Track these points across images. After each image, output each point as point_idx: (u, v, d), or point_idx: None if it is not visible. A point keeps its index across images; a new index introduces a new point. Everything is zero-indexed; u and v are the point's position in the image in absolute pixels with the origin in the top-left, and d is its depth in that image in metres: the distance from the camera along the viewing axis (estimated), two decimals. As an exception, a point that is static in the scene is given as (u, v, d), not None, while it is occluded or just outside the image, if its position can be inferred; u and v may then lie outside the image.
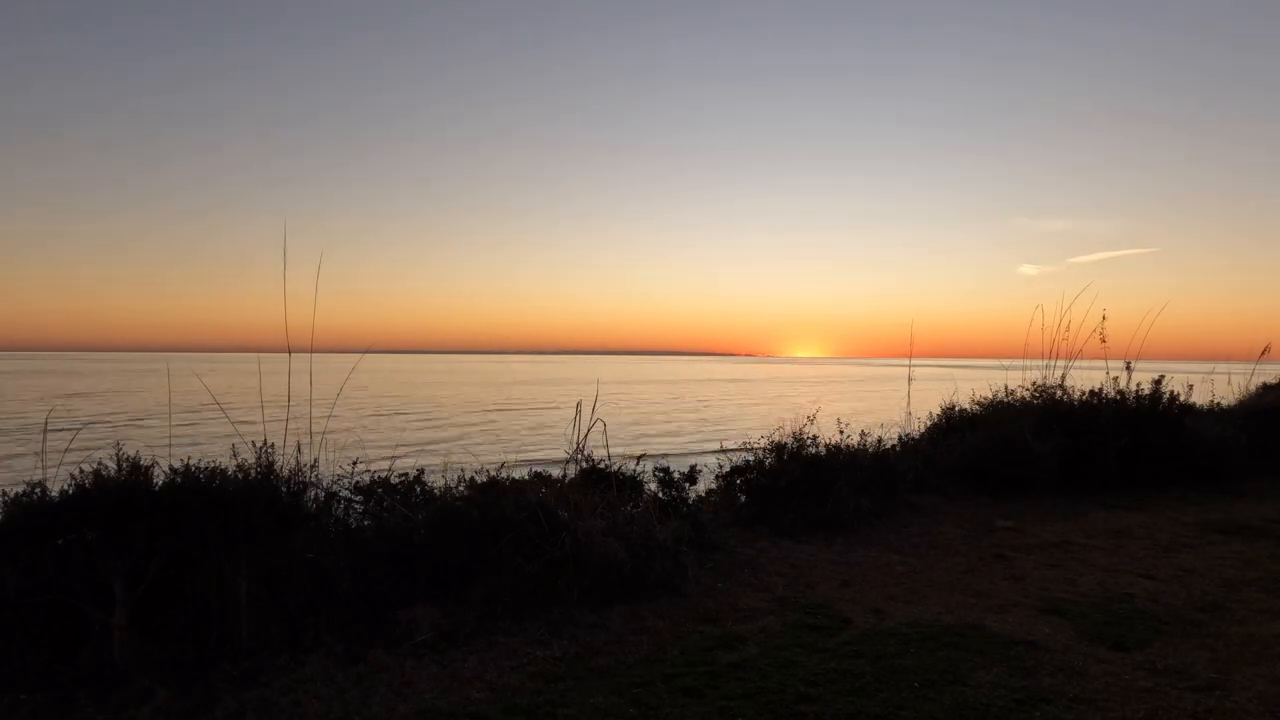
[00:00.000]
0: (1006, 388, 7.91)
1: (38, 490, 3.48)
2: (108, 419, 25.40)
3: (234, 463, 3.88)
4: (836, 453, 6.26)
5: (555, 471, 5.18)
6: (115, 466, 3.62)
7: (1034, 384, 7.86)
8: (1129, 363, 7.93)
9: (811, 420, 6.43)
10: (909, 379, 7.93)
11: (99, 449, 3.76)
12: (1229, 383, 9.71)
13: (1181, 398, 7.99)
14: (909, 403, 7.65)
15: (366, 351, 6.21)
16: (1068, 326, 7.87)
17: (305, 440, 4.24)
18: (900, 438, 7.39)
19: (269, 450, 3.99)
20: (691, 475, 5.83)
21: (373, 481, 4.55)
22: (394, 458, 5.11)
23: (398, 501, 4.37)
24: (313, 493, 4.15)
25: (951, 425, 7.77)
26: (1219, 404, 9.05)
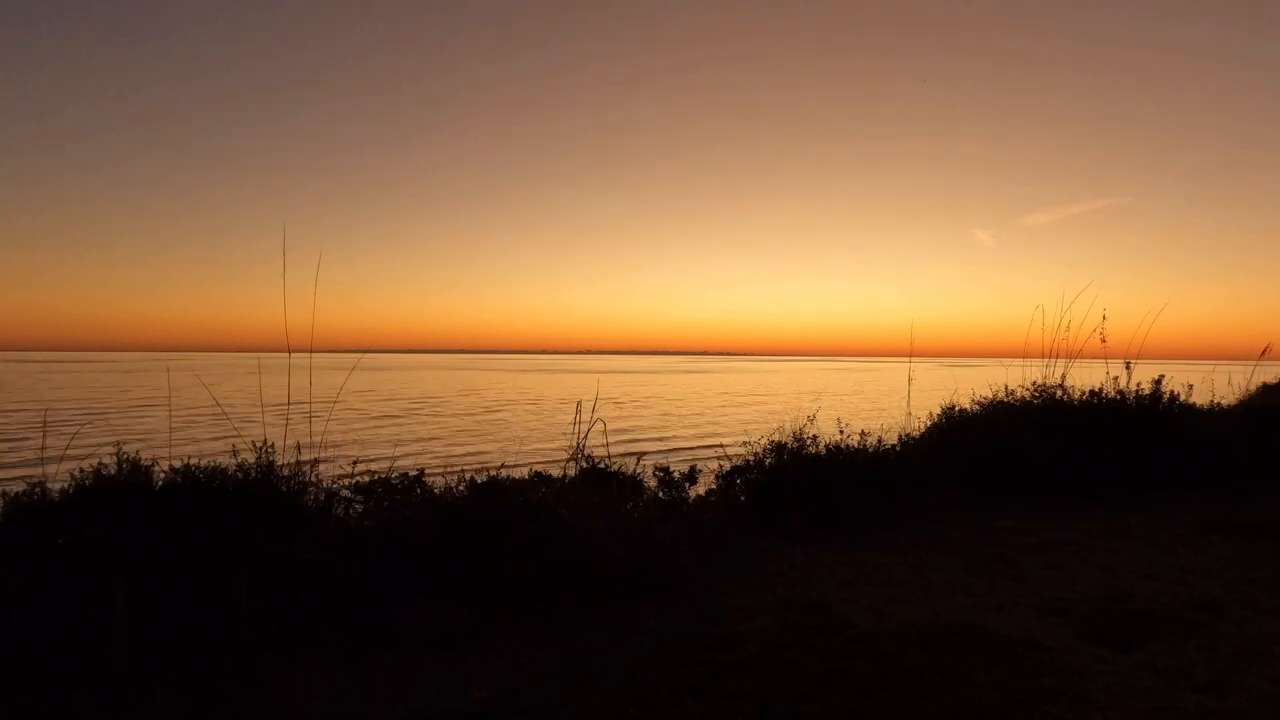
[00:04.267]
0: (1006, 388, 7.91)
1: (38, 490, 3.48)
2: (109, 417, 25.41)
3: (234, 463, 3.89)
4: (836, 453, 6.26)
5: (555, 471, 5.20)
6: (115, 466, 3.62)
7: (1034, 384, 7.86)
8: (1129, 362, 7.93)
9: (811, 420, 6.43)
10: (909, 379, 7.94)
11: (100, 448, 3.76)
12: (1229, 382, 9.72)
13: (1181, 397, 7.99)
14: (909, 402, 7.65)
15: (366, 351, 6.23)
16: (1068, 326, 7.88)
17: (305, 440, 4.25)
18: (900, 438, 7.39)
19: (269, 450, 4.00)
20: (691, 475, 5.84)
21: (373, 481, 4.55)
22: (394, 458, 5.12)
23: (398, 501, 4.38)
24: (313, 492, 4.16)
25: (951, 425, 7.76)
26: (1219, 404, 9.05)
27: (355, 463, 4.63)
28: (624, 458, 5.53)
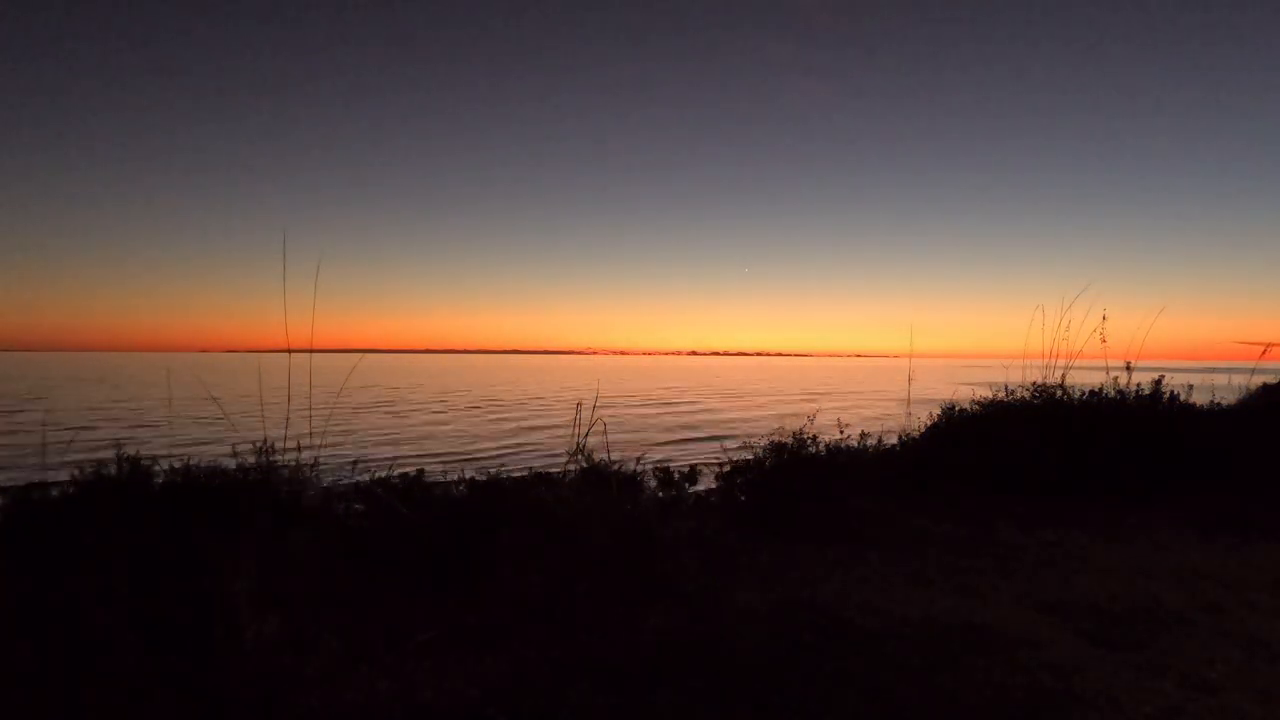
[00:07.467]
0: (1007, 388, 7.92)
1: (38, 489, 3.48)
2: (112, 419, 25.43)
3: (234, 462, 3.89)
4: (837, 453, 6.26)
5: (555, 471, 5.20)
6: (115, 466, 3.63)
7: (1034, 384, 7.86)
8: (1129, 363, 7.94)
9: (811, 420, 6.44)
10: (909, 379, 7.95)
11: (100, 449, 3.77)
12: (1229, 383, 9.71)
13: (1181, 398, 7.99)
14: (909, 403, 7.66)
15: (366, 351, 6.23)
16: (1068, 326, 7.89)
17: (306, 440, 4.25)
18: (900, 438, 7.40)
19: (269, 450, 4.00)
20: (691, 475, 5.84)
21: (373, 481, 4.56)
22: (394, 458, 5.12)
23: (398, 501, 4.38)
24: (313, 492, 4.16)
25: (952, 425, 7.77)
26: (1219, 404, 9.05)
27: (355, 462, 4.64)
28: (624, 458, 5.53)
